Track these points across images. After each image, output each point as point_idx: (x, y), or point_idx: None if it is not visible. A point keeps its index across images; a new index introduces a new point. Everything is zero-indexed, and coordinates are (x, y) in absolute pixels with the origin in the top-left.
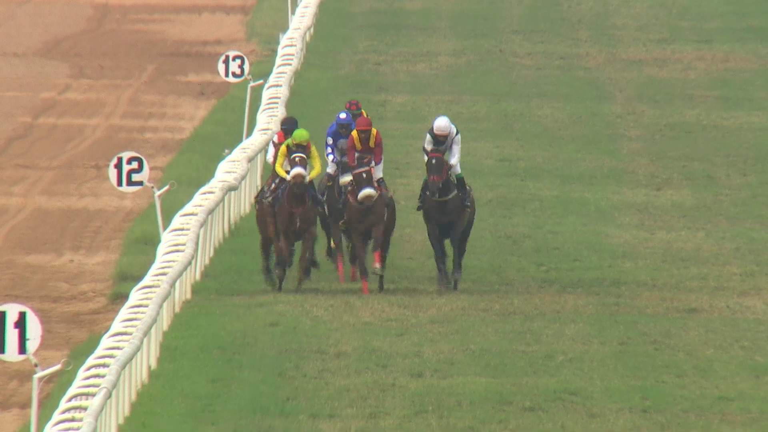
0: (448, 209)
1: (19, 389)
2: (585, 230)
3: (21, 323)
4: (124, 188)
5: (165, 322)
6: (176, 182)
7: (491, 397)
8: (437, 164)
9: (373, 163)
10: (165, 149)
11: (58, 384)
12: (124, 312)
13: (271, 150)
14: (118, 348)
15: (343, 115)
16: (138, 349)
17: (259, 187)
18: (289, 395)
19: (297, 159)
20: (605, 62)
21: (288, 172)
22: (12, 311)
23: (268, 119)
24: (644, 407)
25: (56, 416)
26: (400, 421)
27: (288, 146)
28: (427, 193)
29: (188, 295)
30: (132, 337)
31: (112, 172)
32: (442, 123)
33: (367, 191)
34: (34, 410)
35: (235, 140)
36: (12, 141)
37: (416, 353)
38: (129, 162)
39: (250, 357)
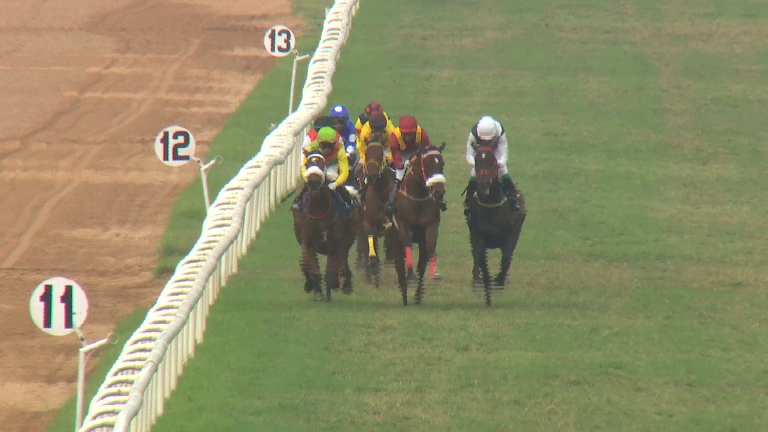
0: (498, 219)
1: (65, 363)
2: (630, 204)
3: (67, 297)
4: (170, 162)
5: (211, 296)
6: (222, 156)
7: (537, 370)
8: (487, 158)
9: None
10: (211, 123)
11: (105, 358)
12: (171, 286)
13: (302, 158)
14: (164, 322)
15: (338, 108)
16: (184, 323)
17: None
18: (334, 369)
19: (313, 159)
20: (651, 36)
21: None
22: (58, 285)
23: (314, 93)
24: (689, 381)
25: (102, 390)
26: (446, 394)
27: (311, 147)
28: (475, 195)
29: (234, 269)
30: (178, 311)
31: (158, 147)
32: (487, 125)
33: (438, 178)
34: (80, 384)
35: (281, 114)
36: (58, 115)
37: (462, 327)
38: (175, 136)
39: (296, 331)
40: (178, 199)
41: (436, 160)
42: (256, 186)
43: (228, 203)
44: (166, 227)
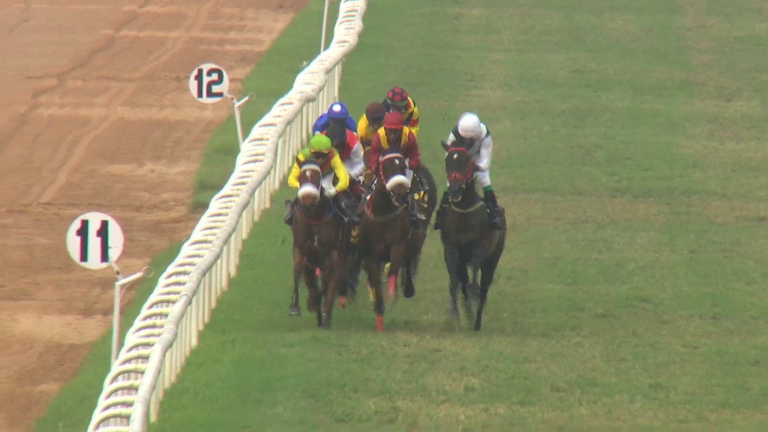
0: (470, 224)
1: (101, 296)
2: (656, 141)
3: (103, 232)
4: (204, 99)
5: (244, 231)
6: (255, 93)
7: (564, 303)
8: (459, 159)
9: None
10: (244, 61)
11: (140, 291)
12: (205, 220)
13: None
14: (198, 256)
15: (337, 108)
16: (218, 256)
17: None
18: (365, 302)
19: (308, 173)
20: None
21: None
22: (94, 220)
23: (345, 31)
24: (714, 314)
25: (137, 323)
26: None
27: (303, 156)
28: (445, 205)
29: (267, 204)
30: (212, 245)
31: (193, 84)
32: (469, 121)
33: (399, 178)
34: (116, 317)
35: (313, 52)
36: (94, 53)
37: None
38: (209, 74)
39: None
40: (211, 135)
41: (396, 162)
42: (289, 122)
43: (261, 139)
44: (200, 163)
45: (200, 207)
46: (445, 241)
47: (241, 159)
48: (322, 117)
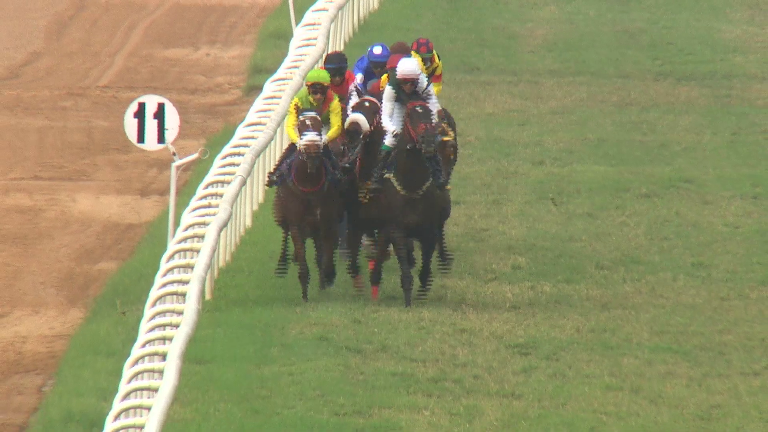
0: (420, 208)
1: (158, 177)
2: (698, 25)
3: (160, 114)
4: None
5: None
6: None
7: (609, 184)
8: (424, 112)
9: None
10: None
11: (195, 172)
12: (259, 103)
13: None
14: (252, 138)
15: (377, 50)
16: (271, 138)
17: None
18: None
19: (308, 121)
20: None
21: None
22: (151, 102)
23: None
24: (755, 194)
25: (193, 203)
26: (522, 206)
27: (300, 101)
28: (387, 174)
29: None
30: (266, 127)
31: None
32: (408, 66)
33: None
34: (172, 197)
35: None
36: None
37: (537, 142)
38: None
39: None
40: (265, 20)
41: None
42: (341, 7)
43: (313, 24)
44: (254, 47)
45: (254, 90)
46: (390, 222)
47: (294, 43)
48: (362, 59)
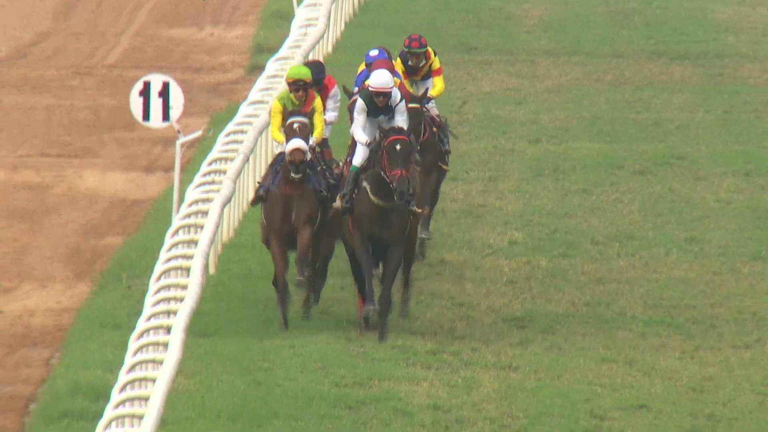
0: (390, 221)
1: (163, 154)
2: (691, 6)
3: (165, 93)
4: None
5: None
6: None
7: (603, 161)
8: (403, 152)
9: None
10: None
11: (199, 149)
12: (262, 81)
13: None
14: (255, 115)
15: (374, 52)
16: None
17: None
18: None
19: (296, 126)
20: None
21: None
22: (156, 81)
23: None
24: (746, 171)
25: (197, 179)
26: (518, 183)
27: (281, 102)
28: (363, 188)
29: None
30: (268, 104)
31: None
32: (381, 78)
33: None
34: (176, 173)
35: None
36: None
37: (533, 120)
38: None
39: None
40: (268, 0)
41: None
42: None
43: (315, 4)
44: (257, 27)
45: (257, 69)
46: (358, 235)
47: (296, 23)
48: (362, 73)
